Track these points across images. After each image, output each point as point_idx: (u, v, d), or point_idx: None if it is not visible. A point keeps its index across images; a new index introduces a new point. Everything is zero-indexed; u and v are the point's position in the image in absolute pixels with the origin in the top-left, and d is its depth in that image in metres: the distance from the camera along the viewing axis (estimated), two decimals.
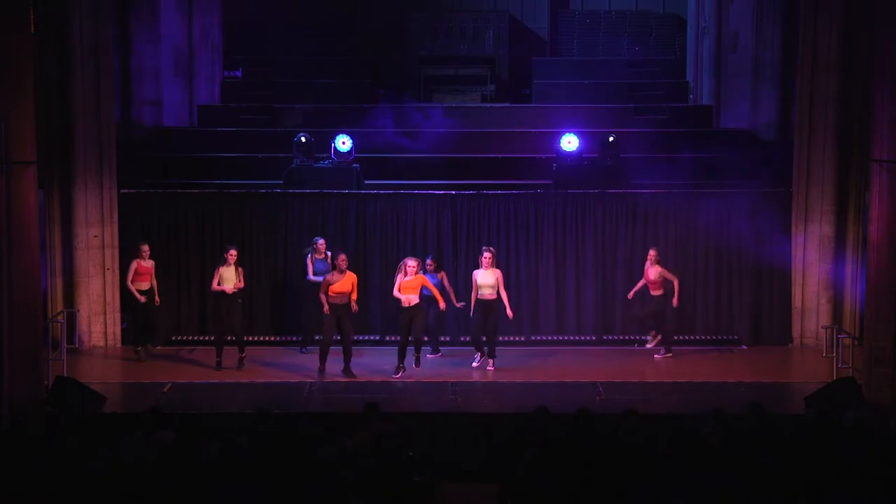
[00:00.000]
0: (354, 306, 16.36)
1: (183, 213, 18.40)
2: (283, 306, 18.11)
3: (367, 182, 18.70)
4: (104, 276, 18.17)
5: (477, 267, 16.83)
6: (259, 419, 12.08)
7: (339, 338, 16.42)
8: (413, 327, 16.28)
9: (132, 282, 17.16)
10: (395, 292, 16.32)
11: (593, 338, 18.18)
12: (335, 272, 16.22)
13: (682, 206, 18.11)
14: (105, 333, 18.27)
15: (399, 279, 16.24)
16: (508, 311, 16.59)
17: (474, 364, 16.86)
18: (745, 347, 18.34)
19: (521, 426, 11.97)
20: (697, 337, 18.42)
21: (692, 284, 18.16)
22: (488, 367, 16.71)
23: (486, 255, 16.53)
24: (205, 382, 16.23)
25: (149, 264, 17.27)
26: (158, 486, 10.45)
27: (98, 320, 18.21)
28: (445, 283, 17.25)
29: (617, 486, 10.49)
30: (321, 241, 17.26)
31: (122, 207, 18.27)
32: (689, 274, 18.15)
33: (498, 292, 16.49)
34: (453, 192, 18.56)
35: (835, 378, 16.01)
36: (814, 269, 18.36)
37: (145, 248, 17.28)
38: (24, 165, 14.41)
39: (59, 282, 18.11)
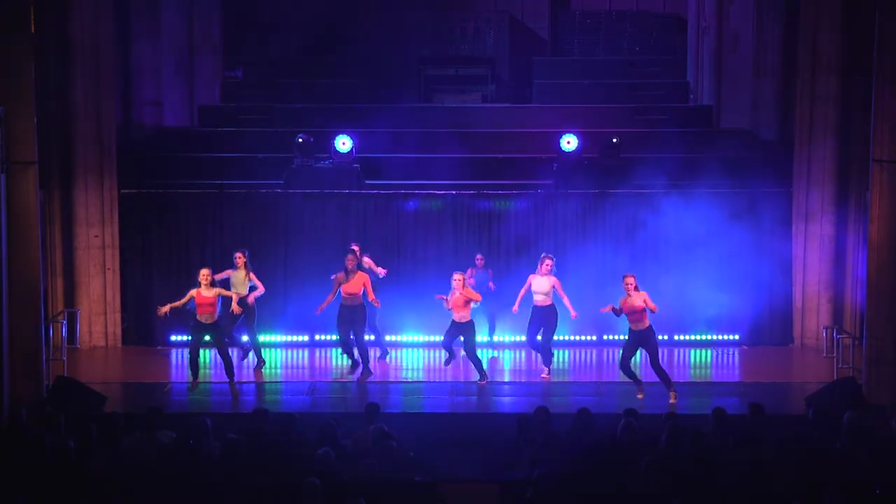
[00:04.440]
0: (376, 302, 16.16)
1: (183, 213, 18.41)
2: (283, 306, 18.08)
3: (367, 182, 18.70)
4: (105, 276, 18.20)
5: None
6: (258, 419, 12.09)
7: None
8: (465, 345, 15.91)
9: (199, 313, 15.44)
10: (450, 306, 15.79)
11: (594, 337, 18.19)
12: (343, 272, 16.12)
13: (682, 206, 18.10)
14: (105, 333, 18.29)
15: (449, 299, 15.73)
16: (572, 313, 16.32)
17: (543, 376, 16.52)
18: (745, 347, 18.35)
19: (521, 426, 11.97)
20: (697, 337, 18.43)
21: (692, 284, 18.14)
22: (543, 375, 16.53)
23: (547, 262, 16.18)
24: (206, 382, 16.22)
25: (211, 293, 15.47)
26: (158, 486, 10.45)
27: (98, 320, 18.23)
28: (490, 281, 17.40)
29: (616, 486, 10.49)
30: (355, 246, 16.96)
31: (123, 207, 18.30)
32: (690, 274, 18.14)
33: (553, 298, 16.24)
34: (454, 192, 18.59)
35: (835, 378, 16.02)
36: (814, 269, 18.38)
37: (204, 273, 15.52)
38: (25, 165, 14.42)
39: (59, 282, 18.13)
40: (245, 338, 16.95)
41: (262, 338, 17.91)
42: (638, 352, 15.56)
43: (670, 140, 19.38)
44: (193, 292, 15.48)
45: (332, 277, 16.19)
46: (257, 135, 19.68)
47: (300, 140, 18.36)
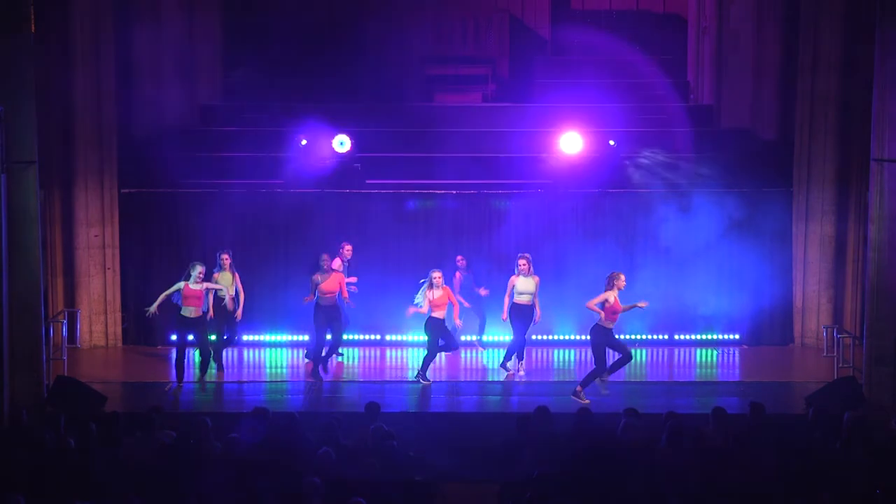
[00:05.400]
0: (351, 303, 16.41)
1: (183, 213, 18.41)
2: (284, 306, 18.07)
3: (367, 181, 18.70)
4: (105, 276, 18.20)
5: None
6: (259, 419, 12.09)
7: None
8: (445, 339, 16.02)
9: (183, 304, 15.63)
10: (425, 308, 15.76)
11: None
12: (320, 272, 16.23)
13: (682, 206, 18.11)
14: (106, 333, 18.30)
15: (429, 295, 15.77)
16: (538, 314, 16.29)
17: (520, 373, 16.45)
18: (745, 347, 18.36)
19: (521, 426, 11.97)
20: (698, 336, 18.44)
21: (692, 284, 18.16)
22: (520, 372, 16.51)
23: (522, 262, 16.17)
24: (205, 382, 16.20)
25: (198, 288, 15.65)
26: (159, 485, 10.45)
27: (99, 320, 18.24)
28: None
29: (616, 485, 10.49)
30: (348, 247, 17.19)
31: (123, 207, 18.31)
32: (690, 273, 18.16)
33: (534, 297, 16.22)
34: (454, 192, 18.60)
35: (835, 377, 16.03)
36: (814, 269, 18.39)
37: (200, 271, 15.63)
38: (25, 165, 14.43)
39: (59, 281, 18.14)
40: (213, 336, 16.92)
41: (264, 337, 17.97)
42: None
43: (670, 140, 19.37)
44: (181, 284, 15.59)
45: (312, 278, 16.27)
46: (257, 134, 19.66)
47: (301, 140, 18.33)
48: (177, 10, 20.15)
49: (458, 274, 17.42)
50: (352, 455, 11.31)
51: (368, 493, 10.05)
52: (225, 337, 16.80)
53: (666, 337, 18.45)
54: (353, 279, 17.06)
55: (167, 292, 15.71)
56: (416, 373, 16.13)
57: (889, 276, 14.87)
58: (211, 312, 15.99)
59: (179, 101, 20.14)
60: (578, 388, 15.21)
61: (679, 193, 18.18)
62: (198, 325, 15.74)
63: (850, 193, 18.24)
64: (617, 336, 15.31)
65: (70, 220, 18.12)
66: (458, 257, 17.61)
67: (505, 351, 16.64)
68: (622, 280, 15.14)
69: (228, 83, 21.85)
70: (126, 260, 18.37)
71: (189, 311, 15.61)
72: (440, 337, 15.97)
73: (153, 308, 15.71)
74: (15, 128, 14.25)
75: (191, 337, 15.94)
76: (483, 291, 17.53)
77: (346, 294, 16.42)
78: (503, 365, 16.54)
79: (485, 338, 18.04)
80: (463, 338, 17.88)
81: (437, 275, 15.81)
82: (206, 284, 15.73)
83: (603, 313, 14.98)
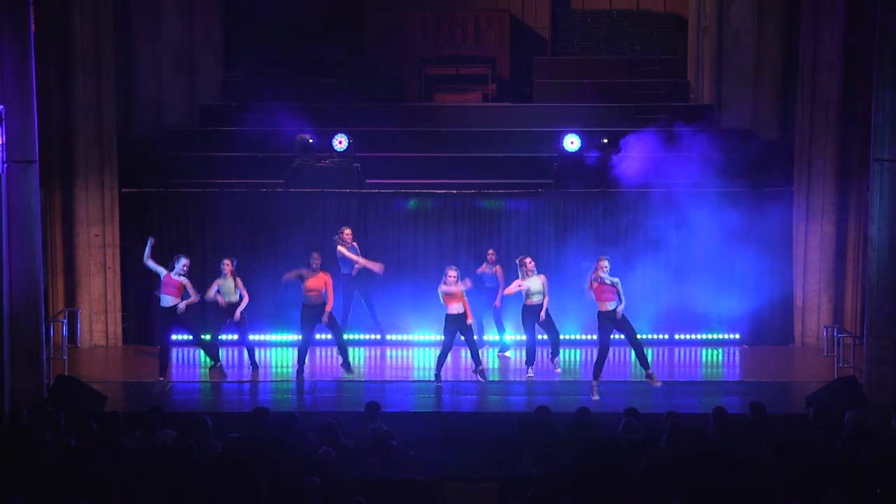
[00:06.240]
0: (325, 317, 16.19)
1: (184, 213, 18.42)
2: (283, 306, 18.07)
3: (368, 181, 18.70)
4: (105, 276, 18.21)
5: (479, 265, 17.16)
6: (259, 418, 12.10)
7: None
8: (465, 336, 15.93)
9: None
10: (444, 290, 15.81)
11: (594, 337, 18.15)
12: (308, 269, 16.21)
13: (682, 206, 18.11)
14: (106, 332, 18.30)
15: (443, 290, 15.74)
16: (544, 306, 16.33)
17: (529, 375, 16.37)
18: (746, 346, 18.36)
19: (521, 425, 11.98)
20: (698, 336, 18.44)
21: (693, 283, 18.16)
22: (557, 370, 16.55)
23: (529, 263, 16.18)
24: (205, 382, 16.22)
25: (178, 280, 15.81)
26: (159, 485, 10.45)
27: (99, 319, 18.24)
28: (500, 278, 17.27)
29: (616, 485, 10.49)
30: (347, 231, 17.37)
31: (123, 206, 18.31)
32: (690, 273, 18.16)
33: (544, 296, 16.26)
34: (454, 192, 18.60)
35: (836, 377, 16.04)
36: (815, 268, 18.39)
37: (184, 262, 15.88)
38: (25, 164, 14.44)
39: (60, 281, 18.14)
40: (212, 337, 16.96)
41: (263, 337, 17.97)
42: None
43: (670, 140, 19.37)
44: (164, 271, 15.81)
45: (301, 271, 16.30)
46: (257, 134, 19.68)
47: (310, 140, 18.32)
48: (177, 10, 20.17)
49: (483, 266, 17.26)
50: (352, 455, 11.32)
51: (368, 493, 10.05)
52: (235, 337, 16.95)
53: (666, 336, 18.44)
54: None
55: (157, 268, 15.89)
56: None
57: (889, 276, 14.88)
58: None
59: (180, 100, 20.16)
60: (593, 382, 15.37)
61: (679, 193, 18.17)
62: (181, 315, 15.78)
63: (851, 193, 18.24)
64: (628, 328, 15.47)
65: (70, 220, 18.12)
66: (490, 251, 17.48)
67: (525, 353, 16.59)
68: (600, 264, 15.31)
69: (228, 83, 21.87)
70: (126, 259, 18.36)
71: (168, 301, 15.75)
72: (455, 334, 15.87)
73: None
74: (15, 127, 14.26)
75: (185, 335, 15.80)
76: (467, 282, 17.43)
77: (331, 297, 16.27)
78: (552, 361, 16.55)
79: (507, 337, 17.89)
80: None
81: (450, 273, 15.72)
82: (185, 281, 15.71)
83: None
